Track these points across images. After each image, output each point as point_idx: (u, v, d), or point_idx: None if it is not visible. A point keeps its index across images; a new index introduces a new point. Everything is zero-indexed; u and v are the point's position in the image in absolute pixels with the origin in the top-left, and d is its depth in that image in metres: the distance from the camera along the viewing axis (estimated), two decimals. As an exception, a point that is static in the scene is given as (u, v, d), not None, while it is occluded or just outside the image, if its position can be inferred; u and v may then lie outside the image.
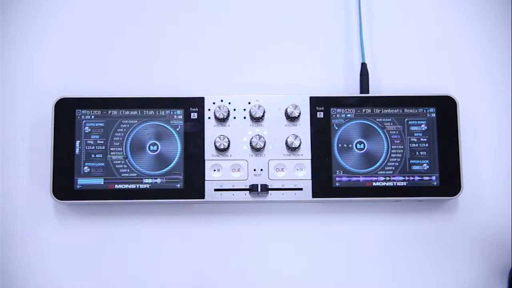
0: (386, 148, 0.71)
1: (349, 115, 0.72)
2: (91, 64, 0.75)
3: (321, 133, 0.71)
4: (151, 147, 0.71)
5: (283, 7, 0.77)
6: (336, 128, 0.72)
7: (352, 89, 0.75)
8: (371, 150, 0.71)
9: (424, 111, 0.72)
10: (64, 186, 0.70)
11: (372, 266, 0.72)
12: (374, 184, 0.71)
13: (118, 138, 0.71)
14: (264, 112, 0.71)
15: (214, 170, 0.71)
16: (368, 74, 0.74)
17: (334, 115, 0.72)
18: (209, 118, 0.71)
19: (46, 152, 0.71)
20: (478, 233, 0.73)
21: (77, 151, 0.70)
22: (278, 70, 0.76)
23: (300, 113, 0.71)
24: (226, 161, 0.71)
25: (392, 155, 0.71)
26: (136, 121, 0.71)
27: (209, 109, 0.72)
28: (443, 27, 0.77)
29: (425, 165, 0.71)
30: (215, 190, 0.70)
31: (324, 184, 0.71)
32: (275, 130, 0.72)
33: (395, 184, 0.71)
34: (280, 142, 0.71)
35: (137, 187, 0.70)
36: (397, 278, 0.72)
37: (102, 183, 0.70)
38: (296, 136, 0.71)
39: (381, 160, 0.71)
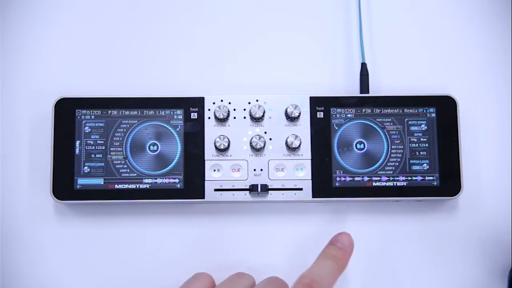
0: (386, 148, 0.71)
1: (349, 115, 0.72)
2: (91, 64, 0.75)
3: (321, 133, 0.71)
4: (151, 147, 0.71)
5: (283, 7, 0.77)
6: (336, 128, 0.72)
7: (352, 89, 0.75)
8: (371, 150, 0.71)
9: (424, 111, 0.72)
10: (64, 186, 0.70)
11: (371, 266, 0.72)
12: (374, 184, 0.71)
13: (118, 138, 0.71)
14: (264, 112, 0.71)
15: (214, 170, 0.71)
16: (368, 74, 0.74)
17: (334, 115, 0.72)
18: (209, 118, 0.71)
19: (46, 152, 0.71)
20: (478, 233, 0.73)
21: (77, 151, 0.71)
22: (278, 70, 0.76)
23: (300, 113, 0.71)
24: (226, 161, 0.71)
25: (392, 155, 0.71)
26: (136, 121, 0.71)
27: (209, 109, 0.72)
28: (443, 27, 0.77)
29: (425, 165, 0.71)
30: (215, 190, 0.70)
31: (324, 184, 0.71)
32: (275, 130, 0.72)
33: (395, 184, 0.71)
34: (280, 142, 0.71)
35: (137, 187, 0.70)
36: (397, 278, 0.72)
37: (102, 183, 0.70)
38: (296, 136, 0.71)
39: (381, 160, 0.71)
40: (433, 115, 0.72)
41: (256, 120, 0.71)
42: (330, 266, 0.59)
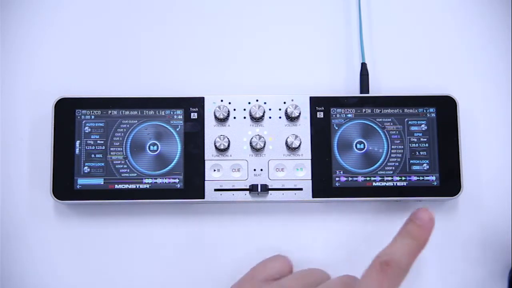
0: (386, 148, 0.71)
1: (349, 115, 0.72)
2: (91, 64, 0.75)
3: (321, 133, 0.71)
4: (151, 147, 0.71)
5: (283, 7, 0.77)
6: (336, 128, 0.72)
7: (352, 89, 0.75)
8: (371, 150, 0.71)
9: (424, 111, 0.72)
10: (64, 186, 0.70)
11: (372, 266, 0.72)
12: (374, 184, 0.71)
13: (118, 138, 0.71)
14: (264, 112, 0.71)
15: (214, 170, 0.71)
16: (368, 74, 0.74)
17: (334, 115, 0.72)
18: (209, 118, 0.71)
19: (46, 152, 0.71)
20: (478, 233, 0.73)
21: (77, 151, 0.71)
22: (278, 70, 0.76)
23: (300, 113, 0.71)
24: (226, 161, 0.71)
25: (392, 155, 0.71)
26: (136, 121, 0.71)
27: (209, 109, 0.72)
28: (443, 27, 0.77)
29: (425, 165, 0.71)
30: (215, 190, 0.70)
31: (324, 184, 0.71)
32: (275, 130, 0.72)
33: (395, 184, 0.71)
34: (280, 142, 0.71)
35: (137, 187, 0.70)
36: (397, 278, 0.72)
37: (102, 183, 0.70)
38: (296, 136, 0.71)
39: (381, 160, 0.71)
40: (433, 115, 0.72)
41: (256, 120, 0.71)
42: (408, 244, 0.56)
